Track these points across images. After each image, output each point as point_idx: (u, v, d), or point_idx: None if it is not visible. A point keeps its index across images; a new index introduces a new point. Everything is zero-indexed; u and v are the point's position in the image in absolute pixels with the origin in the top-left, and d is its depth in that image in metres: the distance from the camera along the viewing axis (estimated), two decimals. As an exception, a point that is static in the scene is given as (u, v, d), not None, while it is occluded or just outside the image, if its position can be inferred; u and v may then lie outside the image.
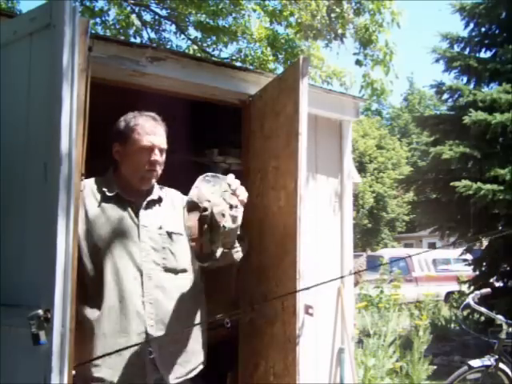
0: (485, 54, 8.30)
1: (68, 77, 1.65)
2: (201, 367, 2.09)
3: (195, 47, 8.97)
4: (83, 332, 1.88)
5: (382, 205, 26.77)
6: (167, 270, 1.99)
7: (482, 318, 7.04)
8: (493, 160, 6.84)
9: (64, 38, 1.65)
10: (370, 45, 7.98)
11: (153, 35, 9.30)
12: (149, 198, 2.05)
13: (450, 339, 7.46)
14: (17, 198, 1.76)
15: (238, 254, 2.07)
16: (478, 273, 7.95)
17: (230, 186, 1.88)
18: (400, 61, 8.48)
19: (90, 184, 2.02)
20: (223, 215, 1.82)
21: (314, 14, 7.74)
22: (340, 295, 3.62)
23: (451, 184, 6.72)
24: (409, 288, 10.32)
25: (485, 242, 8.22)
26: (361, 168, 25.29)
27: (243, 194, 1.92)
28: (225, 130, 3.71)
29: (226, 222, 1.82)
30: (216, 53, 9.04)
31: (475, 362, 3.86)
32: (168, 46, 9.05)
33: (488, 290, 4.16)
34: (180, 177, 2.31)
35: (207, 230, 1.81)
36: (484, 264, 7.79)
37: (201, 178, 1.90)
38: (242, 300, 2.85)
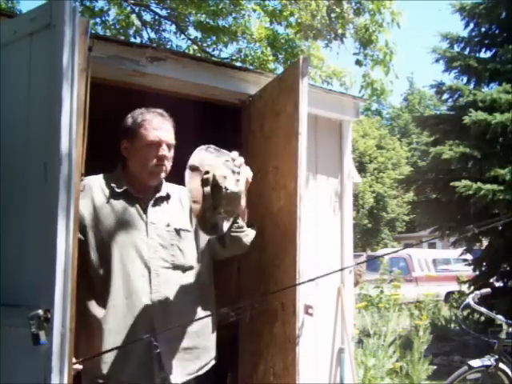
0: (485, 54, 8.31)
1: (68, 77, 1.65)
2: (213, 362, 2.10)
3: (195, 47, 8.97)
4: (90, 329, 1.89)
5: (382, 205, 26.77)
6: (175, 267, 1.99)
7: (482, 318, 7.04)
8: (493, 160, 6.84)
9: (64, 38, 1.65)
10: (370, 45, 7.98)
11: (153, 35, 9.32)
12: (157, 195, 2.05)
13: (450, 339, 7.46)
14: (17, 198, 1.76)
15: (247, 237, 2.08)
16: (478, 273, 7.94)
17: (233, 160, 1.88)
18: (400, 61, 8.49)
19: (98, 180, 2.02)
20: (225, 177, 1.80)
21: (314, 14, 7.75)
22: (340, 295, 3.62)
23: (451, 184, 6.72)
24: (409, 288, 10.32)
25: (485, 242, 8.22)
26: (361, 168, 25.29)
27: (247, 172, 1.92)
28: (225, 130, 3.71)
29: (229, 185, 1.80)
30: (216, 53, 9.05)
31: (475, 362, 3.86)
32: (168, 46, 9.05)
33: (488, 290, 4.16)
34: (180, 177, 2.31)
35: (209, 194, 1.80)
36: (484, 264, 7.79)
37: (203, 147, 1.89)
38: (242, 300, 2.85)
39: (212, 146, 1.90)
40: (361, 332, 5.30)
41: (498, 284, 7.59)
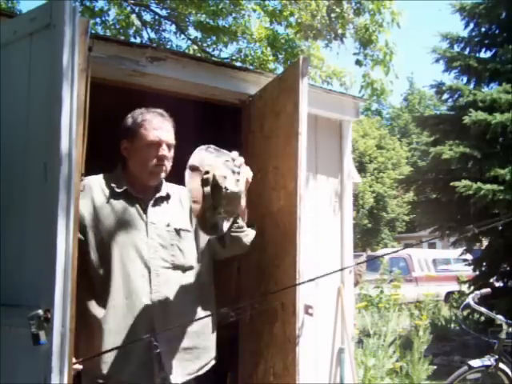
0: (485, 54, 8.31)
1: (68, 77, 1.65)
2: (213, 362, 2.10)
3: (195, 47, 8.98)
4: (90, 329, 1.89)
5: (382, 205, 26.77)
6: (175, 267, 1.99)
7: (482, 318, 7.04)
8: (493, 160, 6.84)
9: (64, 38, 1.65)
10: (369, 45, 7.98)
11: (153, 35, 9.32)
12: (157, 195, 2.05)
13: (450, 339, 7.46)
14: (17, 198, 1.76)
15: (247, 237, 2.09)
16: (478, 273, 7.94)
17: (233, 160, 1.88)
18: (400, 61, 8.49)
19: (98, 180, 2.02)
20: (225, 177, 1.80)
21: (314, 14, 7.75)
22: (340, 295, 3.62)
23: (451, 184, 6.72)
24: (409, 288, 10.32)
25: (485, 242, 8.22)
26: (361, 168, 25.29)
27: (247, 172, 1.92)
28: (225, 130, 3.71)
29: (229, 185, 1.81)
30: (216, 53, 9.06)
31: (475, 362, 3.86)
32: (168, 46, 9.05)
33: (488, 290, 4.16)
34: (180, 177, 2.31)
35: (209, 194, 1.80)
36: (484, 264, 7.79)
37: (203, 147, 1.90)
38: (242, 300, 2.85)
39: (212, 146, 1.90)
40: (361, 332, 5.30)
41: (498, 284, 7.59)
